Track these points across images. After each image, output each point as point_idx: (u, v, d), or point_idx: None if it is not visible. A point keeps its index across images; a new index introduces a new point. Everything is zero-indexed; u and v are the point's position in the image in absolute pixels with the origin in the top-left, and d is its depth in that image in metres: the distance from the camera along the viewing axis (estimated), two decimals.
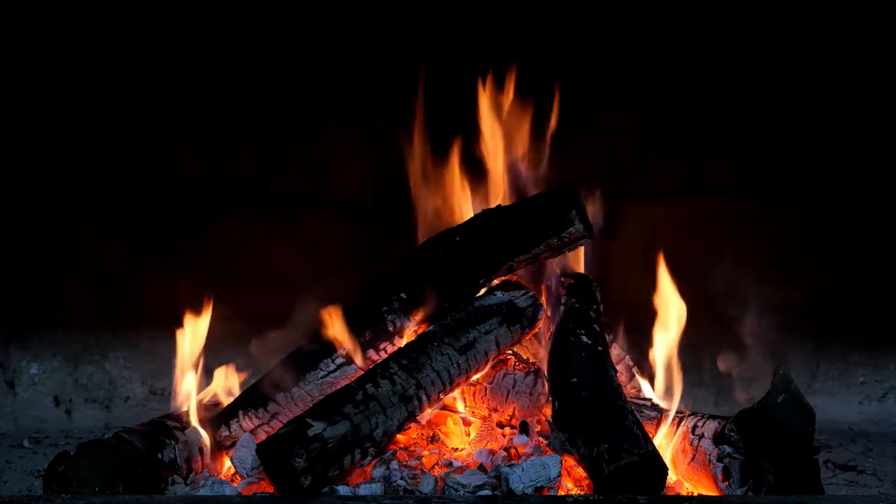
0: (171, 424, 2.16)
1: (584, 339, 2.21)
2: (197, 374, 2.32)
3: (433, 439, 2.20)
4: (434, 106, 2.87)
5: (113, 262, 3.04)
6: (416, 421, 2.15)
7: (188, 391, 2.28)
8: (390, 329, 2.25)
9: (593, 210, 2.35)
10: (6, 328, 3.06)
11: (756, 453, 1.88)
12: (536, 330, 2.31)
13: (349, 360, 2.23)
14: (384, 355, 2.22)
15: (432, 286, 2.25)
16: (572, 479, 2.01)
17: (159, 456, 2.03)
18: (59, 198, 3.01)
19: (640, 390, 2.43)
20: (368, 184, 3.02)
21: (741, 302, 2.98)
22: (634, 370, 2.46)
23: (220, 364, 2.82)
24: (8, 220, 3.01)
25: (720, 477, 1.92)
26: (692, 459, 2.03)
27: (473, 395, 2.33)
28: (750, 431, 1.90)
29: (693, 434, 2.05)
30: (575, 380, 2.07)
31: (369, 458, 1.98)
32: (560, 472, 1.93)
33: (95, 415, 3.06)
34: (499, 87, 2.52)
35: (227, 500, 1.90)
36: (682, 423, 2.11)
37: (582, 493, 1.96)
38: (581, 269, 2.50)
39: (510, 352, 2.31)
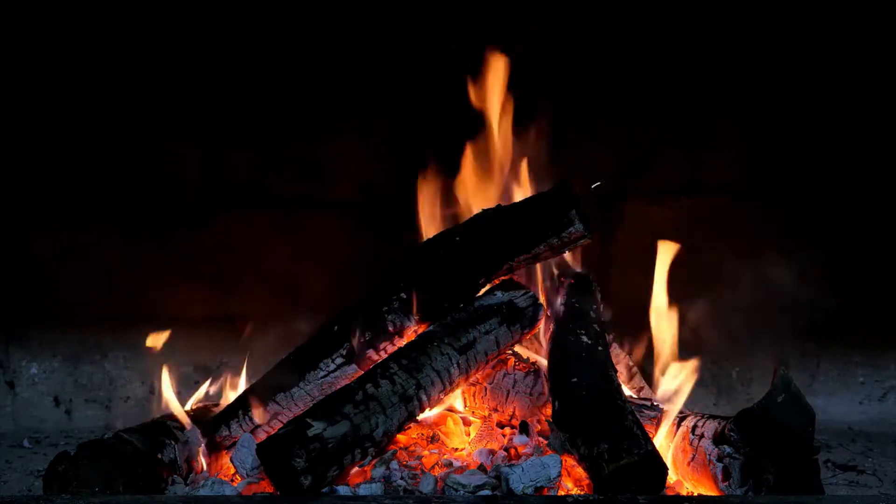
0: (172, 424, 2.16)
1: (584, 339, 2.21)
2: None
3: (433, 439, 2.20)
4: (433, 104, 2.88)
5: (113, 262, 3.03)
6: (416, 421, 2.15)
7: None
8: (390, 329, 2.25)
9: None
10: (6, 328, 3.06)
11: (756, 453, 1.88)
12: (536, 330, 2.31)
13: (349, 360, 2.23)
14: (384, 355, 2.22)
15: (432, 286, 2.26)
16: (572, 479, 2.01)
17: (159, 456, 2.03)
18: (58, 197, 3.01)
19: (640, 390, 2.43)
20: (368, 183, 3.02)
21: (741, 302, 2.99)
22: (634, 370, 2.46)
23: (220, 364, 2.84)
24: (8, 220, 3.01)
25: (720, 477, 1.92)
26: (692, 459, 2.03)
27: (473, 395, 2.33)
28: (750, 431, 1.90)
29: (693, 434, 2.05)
30: (575, 380, 2.07)
31: (369, 458, 1.98)
32: (560, 472, 1.93)
33: (95, 415, 3.05)
34: (496, 87, 2.53)
35: (227, 500, 1.90)
36: (682, 423, 2.11)
37: (582, 493, 1.96)
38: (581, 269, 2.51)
39: (510, 352, 2.31)
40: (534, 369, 2.28)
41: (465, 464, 2.08)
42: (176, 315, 3.03)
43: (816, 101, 2.98)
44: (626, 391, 2.26)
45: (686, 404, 2.20)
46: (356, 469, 1.97)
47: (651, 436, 1.98)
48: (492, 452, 2.13)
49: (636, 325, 2.51)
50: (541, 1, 2.95)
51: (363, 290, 2.38)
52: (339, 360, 2.23)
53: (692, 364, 2.25)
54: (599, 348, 2.21)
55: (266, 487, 1.99)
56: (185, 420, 2.19)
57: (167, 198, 3.04)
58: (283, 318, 2.73)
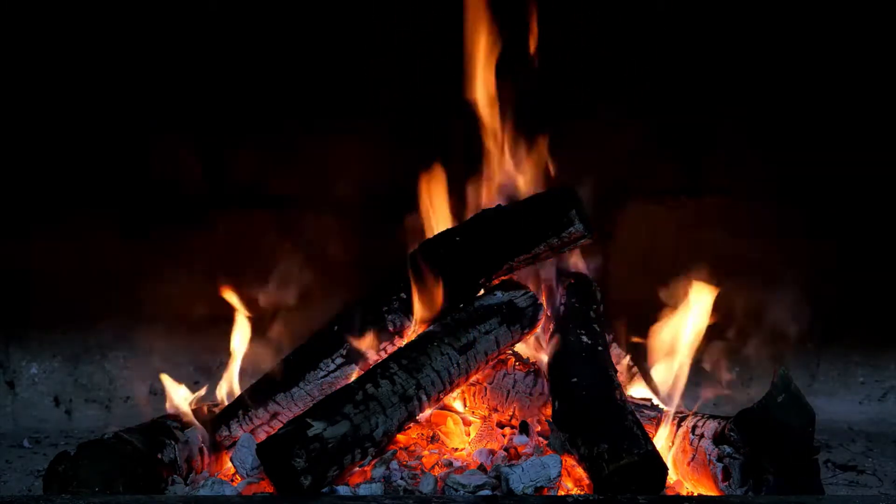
0: (171, 424, 2.16)
1: (584, 339, 2.21)
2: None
3: (433, 439, 2.20)
4: (434, 105, 2.88)
5: (113, 262, 3.03)
6: (416, 421, 2.15)
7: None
8: (390, 329, 2.26)
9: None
10: (6, 328, 3.06)
11: (756, 453, 1.88)
12: (536, 330, 2.31)
13: (349, 360, 2.23)
14: (384, 355, 2.22)
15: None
16: (572, 479, 2.01)
17: (159, 456, 2.03)
18: (58, 197, 3.01)
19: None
20: (368, 183, 3.02)
21: (740, 302, 2.99)
22: (634, 370, 2.46)
23: (219, 364, 2.83)
24: (8, 220, 3.01)
25: (720, 477, 1.92)
26: (692, 459, 2.03)
27: (473, 395, 2.33)
28: (750, 431, 1.90)
29: (693, 434, 2.05)
30: (575, 380, 2.07)
31: (369, 458, 1.98)
32: (560, 472, 1.93)
33: (95, 415, 3.05)
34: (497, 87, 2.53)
35: (227, 500, 1.90)
36: (682, 423, 2.11)
37: (582, 493, 1.96)
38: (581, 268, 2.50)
39: (510, 352, 2.31)
40: (534, 369, 2.28)
41: (465, 464, 2.08)
42: (176, 315, 3.03)
43: (817, 100, 2.98)
44: (627, 391, 2.26)
45: (686, 404, 2.20)
46: (356, 469, 1.97)
47: (651, 436, 1.98)
48: (492, 452, 2.13)
49: (636, 325, 2.50)
50: (541, 1, 2.95)
51: (363, 290, 2.38)
52: (339, 360, 2.24)
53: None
54: (599, 348, 2.21)
55: (266, 487, 1.99)
56: (189, 418, 2.19)
57: (167, 197, 3.04)
58: (283, 318, 2.74)
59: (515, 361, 2.31)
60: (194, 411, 2.28)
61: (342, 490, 1.91)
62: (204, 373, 3.00)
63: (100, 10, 2.90)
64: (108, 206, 3.02)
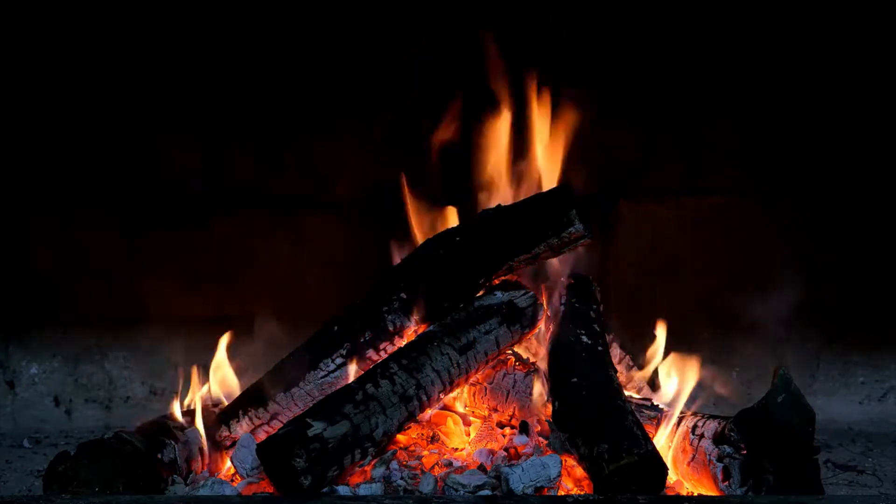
0: (172, 424, 2.16)
1: (584, 339, 2.21)
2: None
3: (433, 439, 2.20)
4: (434, 106, 2.88)
5: (113, 262, 3.03)
6: (416, 421, 2.15)
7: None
8: (390, 329, 2.25)
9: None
10: (6, 328, 3.06)
11: (756, 453, 1.88)
12: (536, 330, 2.31)
13: (349, 360, 2.23)
14: (384, 355, 2.22)
15: (432, 286, 2.25)
16: (572, 479, 2.01)
17: (159, 456, 2.03)
18: (59, 197, 3.01)
19: (640, 390, 2.43)
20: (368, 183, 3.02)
21: (741, 302, 2.99)
22: (634, 370, 2.46)
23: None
24: (8, 220, 3.01)
25: (720, 477, 1.93)
26: (692, 459, 2.03)
27: (473, 395, 2.33)
28: (750, 431, 1.90)
29: (693, 434, 2.05)
30: (575, 380, 2.07)
31: (369, 458, 1.98)
32: (560, 472, 1.93)
33: (95, 415, 3.05)
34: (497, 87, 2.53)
35: (227, 500, 1.90)
36: (682, 423, 2.11)
37: (582, 493, 1.96)
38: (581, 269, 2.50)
39: (510, 352, 2.31)
40: (534, 369, 2.28)
41: (465, 464, 2.08)
42: (176, 315, 3.03)
43: (817, 100, 2.98)
44: (626, 391, 2.26)
45: (686, 404, 2.20)
46: (356, 469, 1.97)
47: (651, 436, 1.98)
48: (492, 452, 2.13)
49: (635, 325, 2.50)
50: (541, 1, 2.95)
51: (363, 290, 2.38)
52: (339, 360, 2.23)
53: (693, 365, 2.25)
54: (599, 348, 2.21)
55: (266, 487, 1.99)
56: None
57: (167, 197, 3.04)
58: (283, 319, 2.73)
59: (515, 361, 2.31)
60: (194, 411, 2.28)
61: (342, 490, 1.91)
62: (204, 373, 2.99)
63: (101, 10, 2.90)
64: (108, 206, 3.02)
